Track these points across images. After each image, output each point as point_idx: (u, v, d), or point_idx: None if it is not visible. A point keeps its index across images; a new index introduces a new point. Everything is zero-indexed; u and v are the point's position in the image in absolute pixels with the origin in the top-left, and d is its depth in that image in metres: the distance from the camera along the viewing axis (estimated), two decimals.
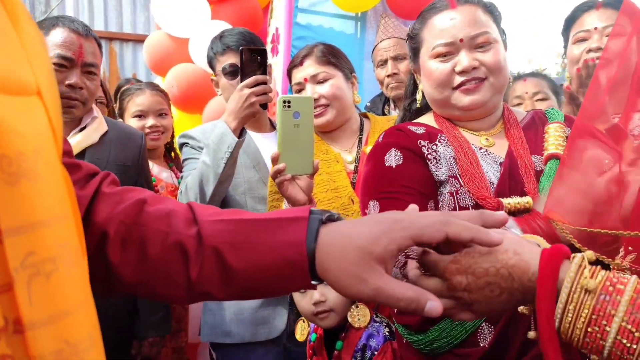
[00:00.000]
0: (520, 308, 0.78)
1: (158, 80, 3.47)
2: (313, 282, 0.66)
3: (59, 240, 0.41)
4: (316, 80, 1.74)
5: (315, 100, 1.71)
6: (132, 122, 2.35)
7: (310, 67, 1.74)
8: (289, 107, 1.32)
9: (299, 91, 1.76)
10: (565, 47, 1.86)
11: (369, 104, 2.68)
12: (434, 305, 0.62)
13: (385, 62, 2.46)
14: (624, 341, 0.59)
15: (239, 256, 0.66)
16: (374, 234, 0.63)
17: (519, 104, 2.28)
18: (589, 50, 1.72)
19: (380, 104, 2.60)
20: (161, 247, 0.67)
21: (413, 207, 0.74)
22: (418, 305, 0.62)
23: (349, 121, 1.80)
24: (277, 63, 3.11)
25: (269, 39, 3.31)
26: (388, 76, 2.43)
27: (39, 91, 0.43)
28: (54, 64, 1.63)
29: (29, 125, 0.40)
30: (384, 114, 2.52)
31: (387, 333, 1.51)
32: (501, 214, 0.70)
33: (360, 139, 1.81)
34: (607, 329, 0.60)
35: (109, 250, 0.67)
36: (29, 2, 5.67)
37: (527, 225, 1.09)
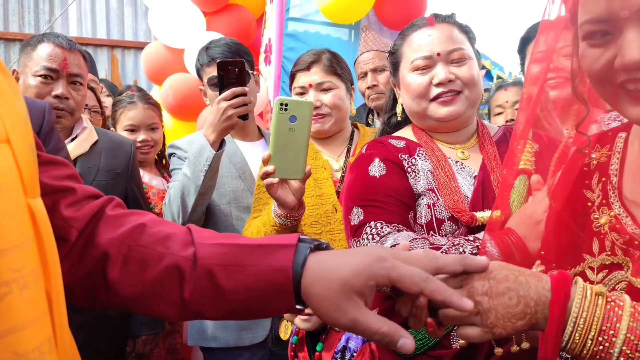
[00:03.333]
0: (514, 348, 0.83)
1: (155, 88, 3.55)
2: (298, 307, 0.71)
3: (15, 266, 0.48)
4: (321, 88, 1.76)
5: (317, 107, 1.73)
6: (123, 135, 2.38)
7: (316, 75, 1.76)
8: (285, 110, 1.30)
9: (301, 94, 1.78)
10: (522, 64, 1.94)
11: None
12: (407, 342, 0.67)
13: (365, 74, 2.53)
14: (628, 352, 0.66)
15: (230, 278, 0.70)
16: (357, 268, 0.67)
17: (500, 113, 2.34)
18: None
19: (364, 113, 2.66)
20: (159, 268, 0.72)
21: (404, 245, 0.78)
22: (391, 340, 0.66)
23: (342, 130, 1.85)
24: (270, 72, 3.18)
25: (262, 49, 3.38)
26: (368, 88, 2.50)
27: (7, 139, 0.50)
28: (40, 75, 1.74)
29: None
30: (367, 123, 2.58)
31: None
32: (482, 259, 0.74)
33: (349, 149, 1.86)
34: (614, 339, 0.66)
35: (109, 269, 0.73)
36: (34, 12, 5.80)
37: (500, 240, 1.14)
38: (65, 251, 0.72)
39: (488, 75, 9.93)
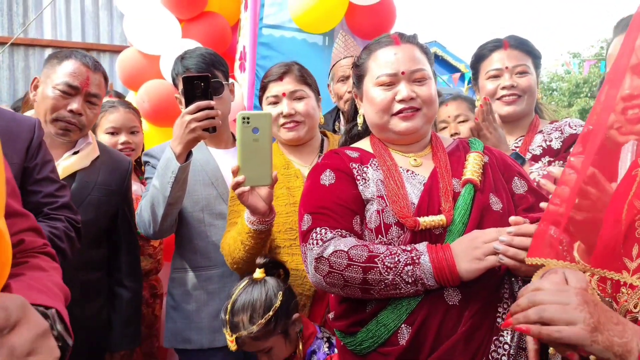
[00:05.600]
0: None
1: (131, 94, 3.58)
2: None
3: None
4: (294, 96, 1.85)
5: (291, 115, 1.82)
6: (105, 138, 2.43)
7: (289, 84, 1.84)
8: (248, 123, 1.43)
9: (275, 103, 1.86)
10: (475, 79, 2.08)
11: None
12: None
13: (347, 77, 2.59)
14: None
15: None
16: None
17: (444, 128, 2.47)
18: (503, 87, 1.96)
19: (331, 120, 2.73)
20: None
21: None
22: None
23: (313, 139, 1.93)
24: (244, 79, 3.24)
25: (237, 56, 3.44)
26: (349, 92, 2.57)
27: None
28: (61, 90, 1.81)
29: None
30: (334, 129, 2.66)
31: (326, 349, 1.67)
32: None
33: (320, 156, 1.91)
34: None
35: None
36: (7, 15, 5.74)
37: (436, 254, 1.25)
38: None
39: (462, 79, 10.13)
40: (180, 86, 2.00)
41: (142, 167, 2.65)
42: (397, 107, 1.41)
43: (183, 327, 1.99)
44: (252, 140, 1.43)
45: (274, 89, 1.85)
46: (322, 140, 1.99)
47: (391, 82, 1.42)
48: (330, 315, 1.47)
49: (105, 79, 1.95)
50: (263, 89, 1.91)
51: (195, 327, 1.98)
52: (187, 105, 1.69)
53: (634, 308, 0.90)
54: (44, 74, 1.87)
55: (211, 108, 1.68)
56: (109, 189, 1.94)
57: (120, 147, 2.42)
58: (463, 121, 2.45)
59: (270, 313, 1.62)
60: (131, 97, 3.53)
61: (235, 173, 1.48)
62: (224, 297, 1.93)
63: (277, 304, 1.61)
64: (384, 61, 1.43)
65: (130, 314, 2.04)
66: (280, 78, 1.85)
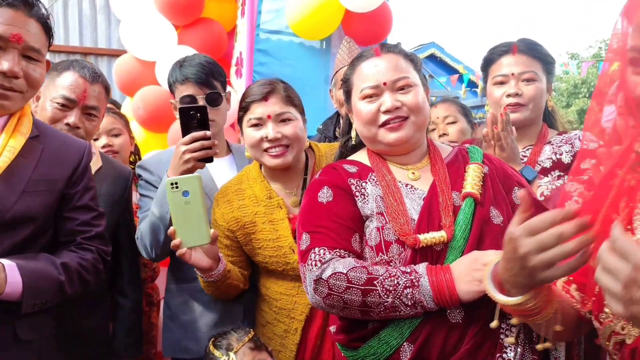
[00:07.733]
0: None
1: (127, 99, 3.58)
2: None
3: None
4: (280, 119, 1.72)
5: (277, 139, 1.71)
6: None
7: (275, 105, 1.72)
8: (177, 187, 1.42)
9: (257, 126, 1.73)
10: (485, 82, 2.05)
11: (321, 127, 2.78)
12: None
13: None
14: None
15: None
16: None
17: (433, 129, 2.47)
18: (508, 95, 1.90)
19: (332, 126, 2.72)
20: None
21: None
22: None
23: (298, 161, 1.83)
24: (241, 85, 3.25)
25: (233, 62, 3.44)
26: None
27: None
28: (58, 103, 1.79)
29: None
30: (335, 135, 2.64)
31: None
32: None
33: (305, 180, 1.83)
34: None
35: None
36: None
37: (435, 276, 1.23)
38: None
39: (460, 80, 10.14)
40: (177, 94, 1.99)
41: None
42: (383, 118, 1.39)
43: (180, 337, 1.99)
44: (183, 203, 1.43)
45: (258, 110, 1.72)
46: (307, 159, 1.89)
47: (374, 94, 1.40)
48: (332, 329, 1.45)
49: (107, 89, 1.91)
50: (245, 109, 1.77)
51: (192, 337, 1.97)
52: (183, 135, 1.67)
53: (621, 330, 0.89)
54: (44, 85, 1.84)
55: (208, 138, 1.66)
56: (112, 199, 1.93)
57: (101, 150, 2.36)
58: (452, 122, 2.47)
59: (251, 331, 1.67)
60: (127, 103, 3.54)
61: (172, 236, 1.47)
62: (219, 307, 1.94)
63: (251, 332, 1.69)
64: (366, 74, 1.42)
65: (132, 322, 2.03)
66: (265, 98, 1.72)
